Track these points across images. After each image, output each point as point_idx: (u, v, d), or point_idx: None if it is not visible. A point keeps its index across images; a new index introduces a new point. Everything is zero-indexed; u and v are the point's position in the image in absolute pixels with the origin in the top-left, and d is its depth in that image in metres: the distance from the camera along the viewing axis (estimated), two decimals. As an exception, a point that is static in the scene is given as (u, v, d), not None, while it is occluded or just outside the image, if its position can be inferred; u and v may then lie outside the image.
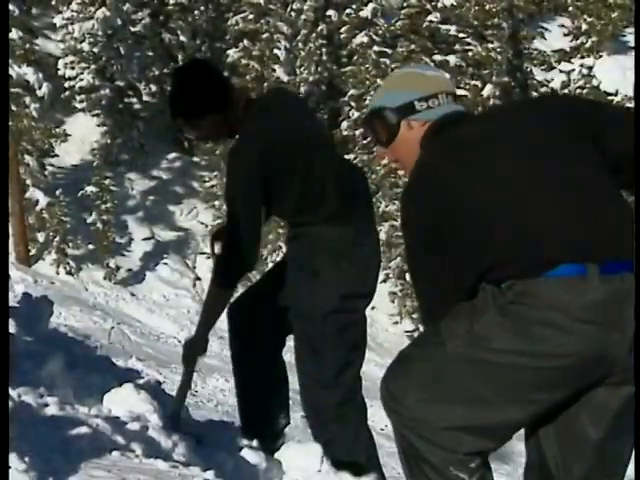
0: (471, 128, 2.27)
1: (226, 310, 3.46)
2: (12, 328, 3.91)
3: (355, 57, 27.90)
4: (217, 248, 3.41)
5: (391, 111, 2.35)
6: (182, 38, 28.37)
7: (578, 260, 2.00)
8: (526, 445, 2.24)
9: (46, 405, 2.95)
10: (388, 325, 24.25)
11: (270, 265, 18.00)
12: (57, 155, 24.93)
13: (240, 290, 3.68)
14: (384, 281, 22.74)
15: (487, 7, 27.02)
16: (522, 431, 2.24)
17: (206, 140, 3.43)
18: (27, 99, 22.88)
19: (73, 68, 26.43)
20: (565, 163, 2.11)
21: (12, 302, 4.70)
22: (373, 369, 13.65)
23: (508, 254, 2.05)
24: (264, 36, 28.02)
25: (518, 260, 2.04)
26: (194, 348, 3.38)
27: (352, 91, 27.30)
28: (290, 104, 3.46)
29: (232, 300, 3.44)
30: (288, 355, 3.49)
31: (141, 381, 3.79)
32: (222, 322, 3.51)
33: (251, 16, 28.41)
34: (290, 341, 3.46)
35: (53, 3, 27.22)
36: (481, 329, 2.06)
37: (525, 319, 2.01)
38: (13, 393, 2.94)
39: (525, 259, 2.03)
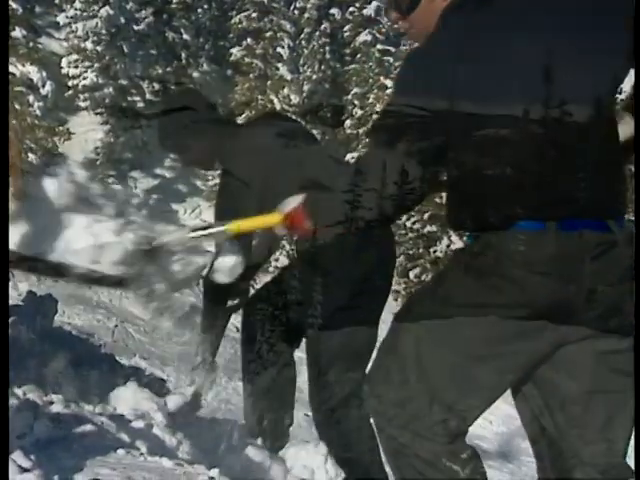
0: (490, 16, 2.06)
1: (242, 307, 3.49)
2: (17, 326, 3.92)
3: (359, 55, 27.86)
4: None
5: None
6: (185, 36, 28.38)
7: (538, 217, 2.01)
8: (524, 424, 2.22)
9: (51, 403, 2.96)
10: (391, 323, 24.22)
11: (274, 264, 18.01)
12: (61, 153, 24.94)
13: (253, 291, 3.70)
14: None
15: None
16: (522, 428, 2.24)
17: (195, 166, 3.64)
18: (30, 97, 22.87)
19: (77, 67, 26.42)
20: (565, 115, 2.02)
21: (16, 300, 4.71)
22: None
23: (485, 203, 2.06)
24: (267, 34, 27.98)
25: (488, 212, 2.05)
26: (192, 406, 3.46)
27: (356, 89, 27.28)
28: (275, 124, 3.54)
29: (249, 298, 3.48)
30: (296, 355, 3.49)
31: (145, 379, 3.80)
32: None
33: (254, 14, 28.37)
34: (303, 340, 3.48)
35: (57, 2, 27.21)
36: (444, 290, 2.10)
37: (485, 272, 2.04)
38: (18, 391, 2.95)
39: (493, 212, 2.05)
